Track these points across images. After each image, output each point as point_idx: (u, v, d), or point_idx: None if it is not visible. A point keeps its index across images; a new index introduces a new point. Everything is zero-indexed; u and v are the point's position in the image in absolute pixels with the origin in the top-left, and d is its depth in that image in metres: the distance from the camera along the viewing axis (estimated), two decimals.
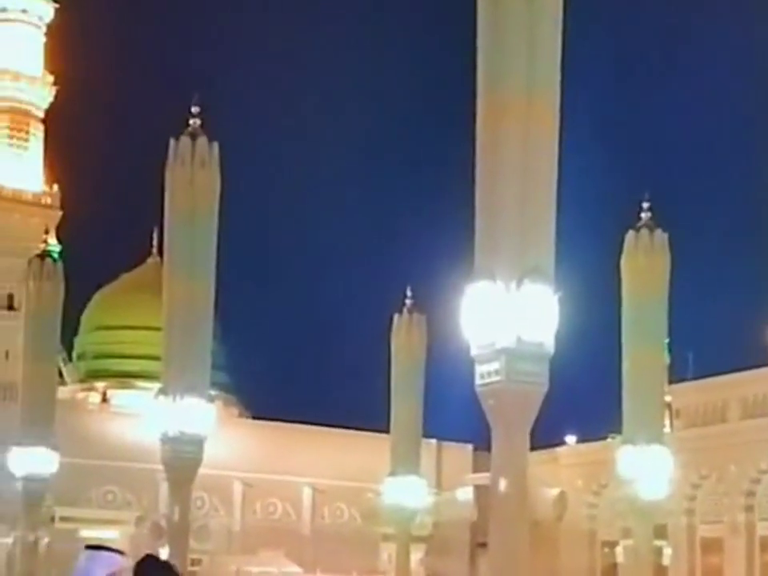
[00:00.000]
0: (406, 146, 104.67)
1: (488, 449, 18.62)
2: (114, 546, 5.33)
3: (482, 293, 16.99)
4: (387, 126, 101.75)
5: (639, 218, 34.83)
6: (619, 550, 48.65)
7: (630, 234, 34.45)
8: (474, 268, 17.40)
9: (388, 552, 53.87)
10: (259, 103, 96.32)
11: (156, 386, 36.41)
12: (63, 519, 52.16)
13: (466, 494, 50.37)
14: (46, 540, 45.29)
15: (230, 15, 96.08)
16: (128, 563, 5.17)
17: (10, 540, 47.37)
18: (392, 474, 44.61)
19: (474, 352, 17.34)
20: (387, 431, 45.96)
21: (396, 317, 45.43)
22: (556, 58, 17.43)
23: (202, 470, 34.86)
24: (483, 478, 32.84)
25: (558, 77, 17.39)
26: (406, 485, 44.18)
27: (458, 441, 62.22)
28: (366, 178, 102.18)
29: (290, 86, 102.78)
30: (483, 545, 48.80)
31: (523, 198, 17.03)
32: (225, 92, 78.10)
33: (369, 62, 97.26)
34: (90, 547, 4.99)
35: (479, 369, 17.39)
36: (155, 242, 65.87)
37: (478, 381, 17.44)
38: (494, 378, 17.11)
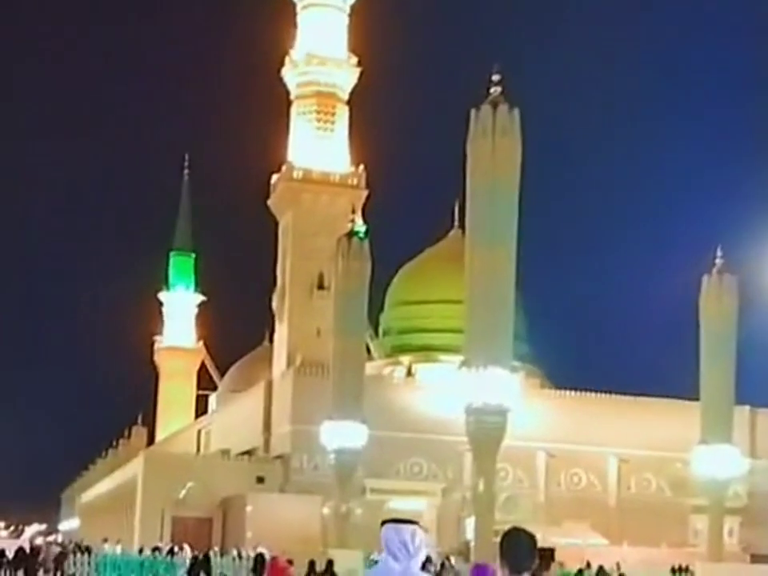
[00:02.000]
0: (712, 101, 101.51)
1: None
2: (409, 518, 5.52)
3: None
4: (695, 84, 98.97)
5: None
6: None
7: None
8: None
9: (699, 524, 52.30)
10: (557, 65, 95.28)
11: (459, 358, 36.61)
12: (373, 491, 53.60)
13: None
14: (359, 511, 46.53)
15: None
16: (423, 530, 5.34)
17: (325, 510, 49.00)
18: (702, 442, 43.22)
19: None
20: (696, 398, 44.53)
21: (705, 279, 43.84)
22: None
23: (505, 442, 34.80)
24: None
25: None
26: (718, 454, 42.70)
27: None
28: (673, 134, 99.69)
29: (590, 49, 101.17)
30: None
31: None
32: (523, 57, 77.52)
33: (669, 30, 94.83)
34: (387, 522, 5.18)
35: None
36: (456, 215, 66.21)
37: None
38: None
